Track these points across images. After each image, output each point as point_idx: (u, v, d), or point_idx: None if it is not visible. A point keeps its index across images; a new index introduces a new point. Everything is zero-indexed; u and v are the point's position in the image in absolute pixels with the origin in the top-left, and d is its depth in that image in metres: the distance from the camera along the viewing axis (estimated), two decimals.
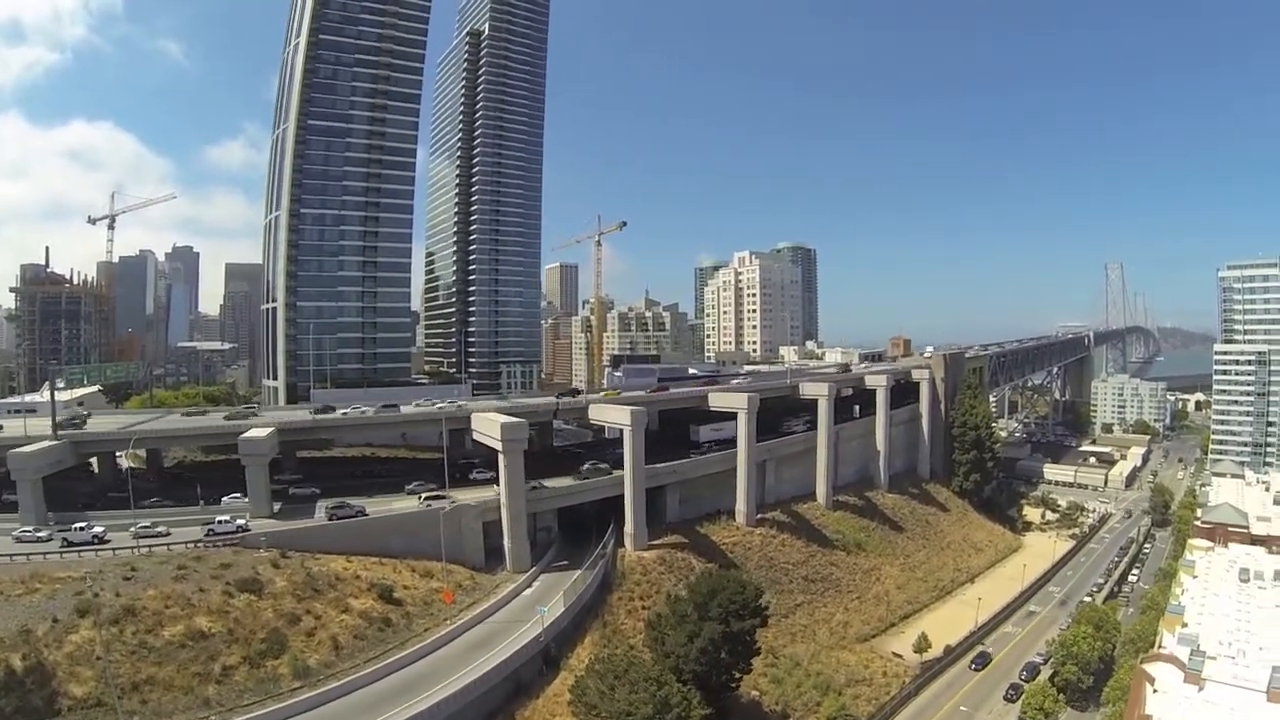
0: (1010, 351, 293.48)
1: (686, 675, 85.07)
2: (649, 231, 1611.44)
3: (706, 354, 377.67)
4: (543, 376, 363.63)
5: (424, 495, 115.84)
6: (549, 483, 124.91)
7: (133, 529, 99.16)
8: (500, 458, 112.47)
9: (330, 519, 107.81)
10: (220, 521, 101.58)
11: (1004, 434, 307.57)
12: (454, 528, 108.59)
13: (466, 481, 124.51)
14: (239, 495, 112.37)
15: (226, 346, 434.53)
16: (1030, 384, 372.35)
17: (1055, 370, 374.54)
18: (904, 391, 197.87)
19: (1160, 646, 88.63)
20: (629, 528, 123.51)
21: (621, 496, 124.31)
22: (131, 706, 70.78)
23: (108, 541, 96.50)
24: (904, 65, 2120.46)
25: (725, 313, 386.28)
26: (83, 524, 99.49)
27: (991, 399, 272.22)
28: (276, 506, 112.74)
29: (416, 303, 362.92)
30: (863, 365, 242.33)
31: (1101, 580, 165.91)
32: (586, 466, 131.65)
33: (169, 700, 72.14)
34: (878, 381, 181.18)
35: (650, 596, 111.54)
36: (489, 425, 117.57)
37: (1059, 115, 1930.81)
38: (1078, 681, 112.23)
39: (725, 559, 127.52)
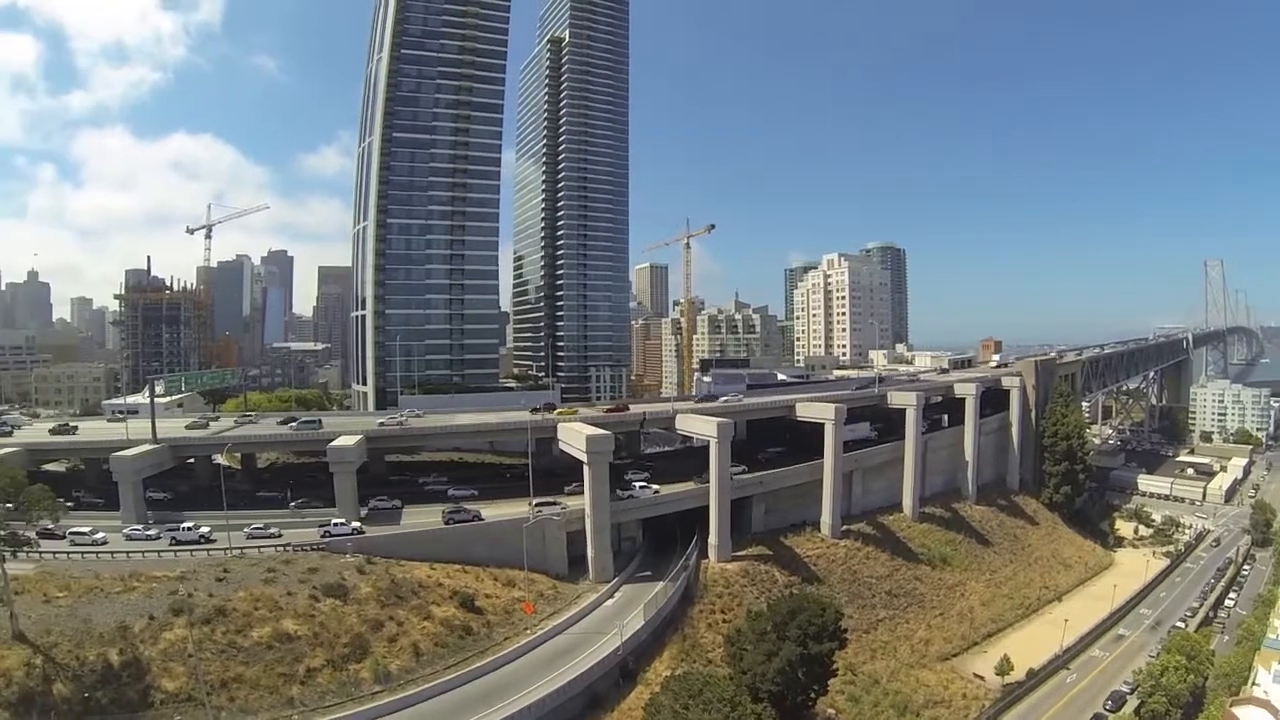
0: (1104, 356, 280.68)
1: (762, 694, 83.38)
2: (740, 230, 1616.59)
3: (796, 357, 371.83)
4: (633, 378, 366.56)
5: (535, 502, 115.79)
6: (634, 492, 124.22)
7: (247, 530, 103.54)
8: (585, 469, 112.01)
9: (447, 522, 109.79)
10: (337, 524, 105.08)
11: (1097, 440, 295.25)
12: (538, 537, 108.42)
13: (552, 490, 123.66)
14: (384, 498, 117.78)
15: (319, 347, 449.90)
16: (1125, 388, 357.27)
17: (1151, 375, 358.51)
18: (993, 399, 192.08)
19: (1254, 684, 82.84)
20: (713, 539, 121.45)
21: (707, 506, 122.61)
22: (219, 703, 73.20)
23: (213, 541, 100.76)
24: (993, 55, 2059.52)
25: (814, 315, 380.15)
26: (190, 524, 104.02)
27: (1085, 405, 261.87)
28: (363, 511, 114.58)
29: (506, 302, 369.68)
30: (953, 372, 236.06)
31: (1196, 604, 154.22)
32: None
33: (255, 698, 74.40)
34: (967, 390, 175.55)
35: (731, 610, 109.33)
36: (575, 437, 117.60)
37: (1154, 106, 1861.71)
38: (1165, 715, 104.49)
39: (808, 572, 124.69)
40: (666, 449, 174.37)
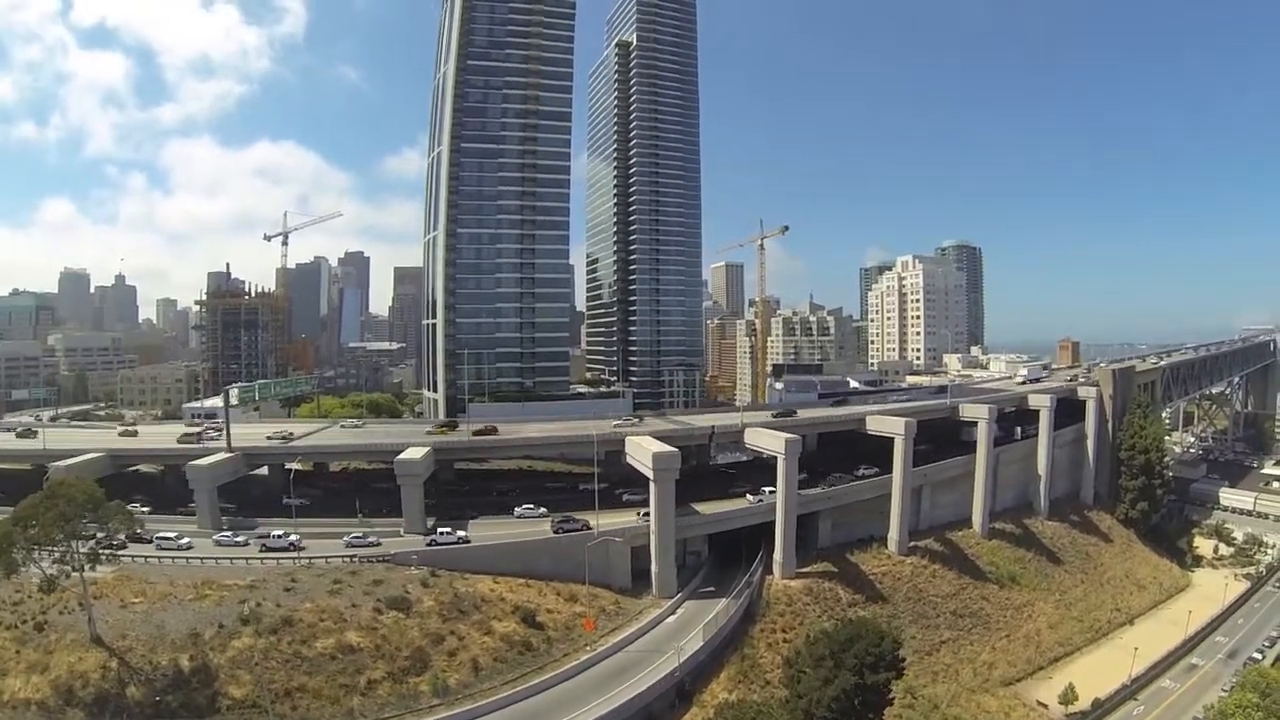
0: (1185, 363, 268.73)
1: None
2: (818, 226, 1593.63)
3: (870, 361, 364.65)
4: (707, 379, 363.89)
5: (642, 512, 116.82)
6: (700, 507, 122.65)
7: (346, 539, 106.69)
8: (651, 486, 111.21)
9: (556, 531, 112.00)
10: (443, 533, 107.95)
11: (1177, 449, 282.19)
12: (602, 552, 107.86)
13: (617, 503, 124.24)
14: (531, 506, 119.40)
15: (394, 347, 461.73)
16: (1207, 393, 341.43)
17: (1236, 380, 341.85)
18: (1069, 408, 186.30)
19: None
20: (777, 555, 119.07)
21: (773, 521, 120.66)
22: (282, 711, 75.35)
23: (303, 549, 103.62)
24: (1069, 45, 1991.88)
25: (889, 318, 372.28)
26: (280, 531, 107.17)
27: (1165, 412, 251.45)
28: (430, 522, 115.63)
29: (580, 301, 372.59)
30: (1025, 380, 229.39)
31: (1275, 634, 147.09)
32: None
33: (317, 708, 76.24)
34: (1041, 402, 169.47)
35: (793, 629, 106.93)
36: (642, 452, 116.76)
37: (1234, 86, 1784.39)
38: None
39: (873, 590, 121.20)
40: (740, 459, 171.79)
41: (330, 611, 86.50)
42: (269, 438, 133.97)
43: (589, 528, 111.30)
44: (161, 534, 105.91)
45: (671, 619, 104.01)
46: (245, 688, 76.18)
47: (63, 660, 76.67)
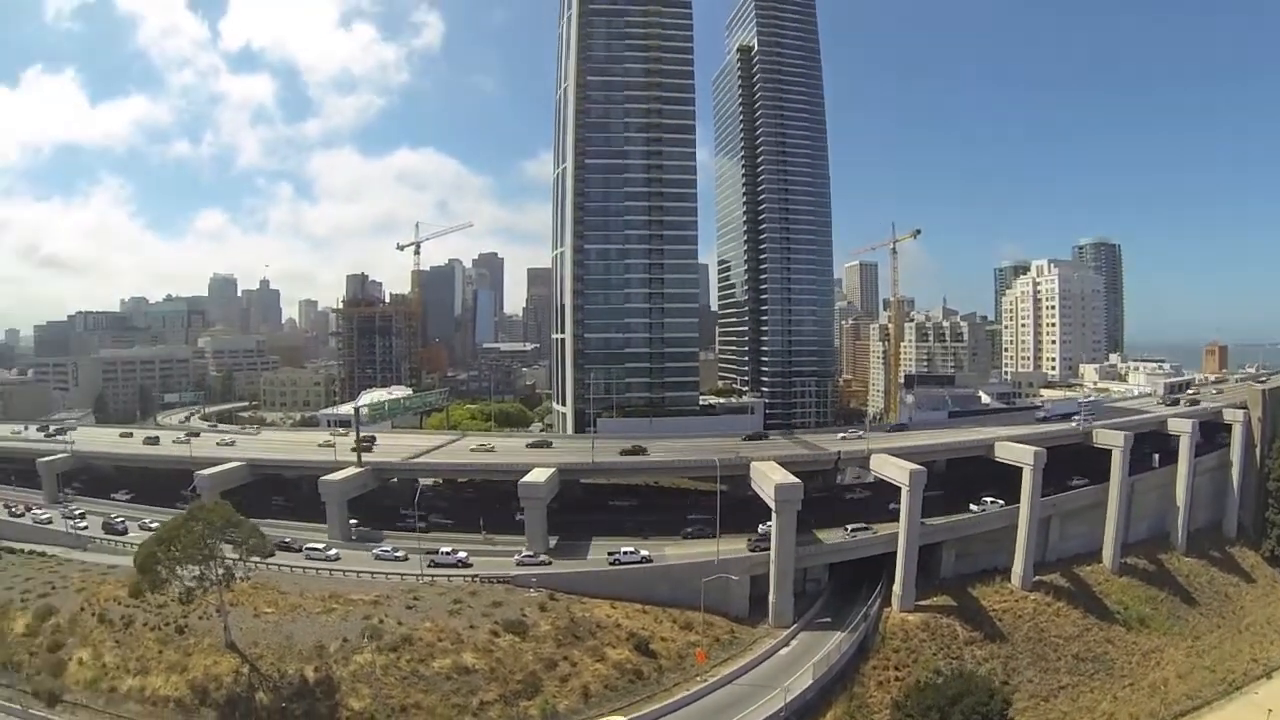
0: None
1: None
2: (947, 224, 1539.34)
3: (1003, 371, 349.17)
4: (840, 382, 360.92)
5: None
6: (822, 534, 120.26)
7: (517, 558, 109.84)
8: (773, 515, 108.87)
9: (752, 550, 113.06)
10: (626, 553, 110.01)
11: None
12: (719, 580, 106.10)
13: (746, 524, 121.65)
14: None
15: (528, 348, 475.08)
16: None
17: None
18: (1211, 429, 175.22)
19: None
20: (897, 588, 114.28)
21: (894, 552, 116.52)
22: None
23: (470, 565, 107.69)
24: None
25: (1023, 325, 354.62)
26: (449, 548, 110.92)
27: None
28: (553, 542, 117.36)
29: (713, 300, 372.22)
30: (1165, 400, 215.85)
31: None
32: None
33: None
34: (1181, 427, 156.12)
35: (906, 666, 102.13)
36: (765, 481, 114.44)
37: None
38: None
39: (992, 628, 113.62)
40: (867, 479, 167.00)
41: (449, 632, 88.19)
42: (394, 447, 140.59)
43: (650, 560, 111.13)
44: (311, 544, 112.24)
45: (785, 651, 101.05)
46: (364, 701, 78.75)
47: (199, 663, 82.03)
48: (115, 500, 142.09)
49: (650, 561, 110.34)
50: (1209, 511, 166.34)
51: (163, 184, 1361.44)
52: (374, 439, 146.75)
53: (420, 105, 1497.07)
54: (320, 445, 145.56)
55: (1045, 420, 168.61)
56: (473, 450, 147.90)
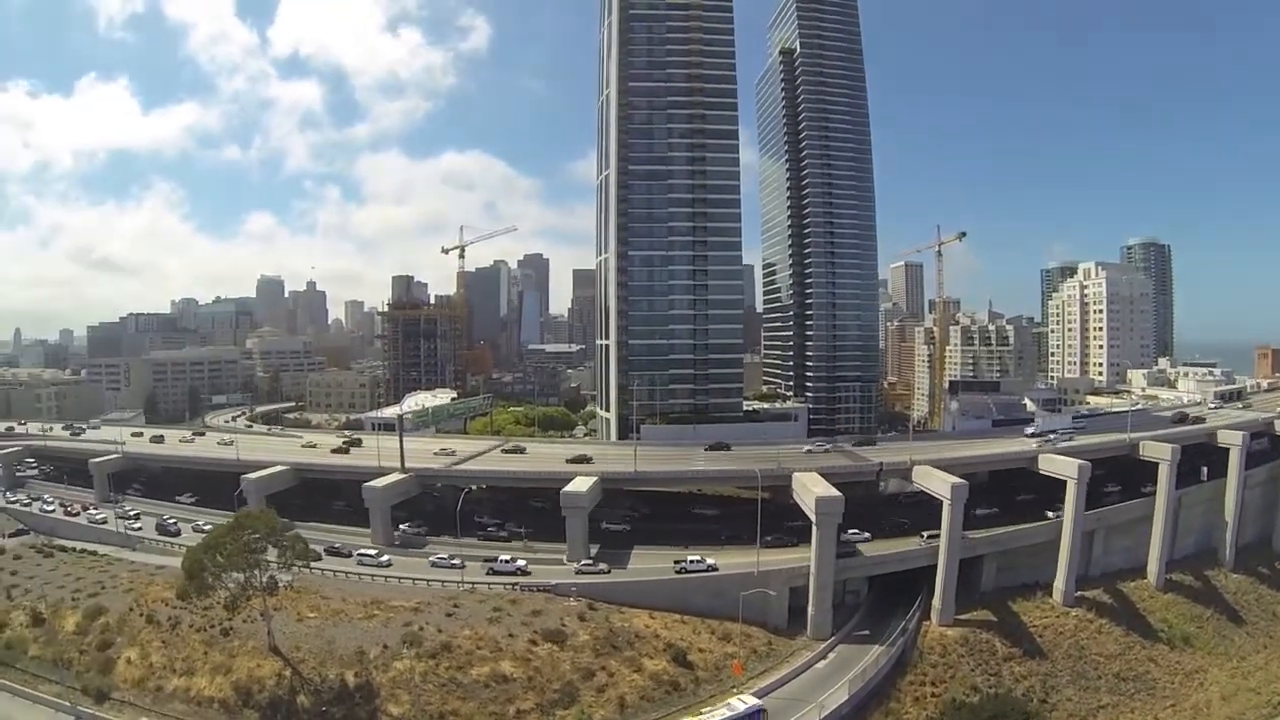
0: None
1: None
2: (994, 223, 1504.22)
3: (1050, 376, 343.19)
4: (886, 385, 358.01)
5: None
6: (863, 546, 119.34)
7: (576, 568, 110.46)
8: (814, 528, 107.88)
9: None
10: (693, 561, 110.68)
11: None
12: (759, 592, 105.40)
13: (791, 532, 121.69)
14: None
15: (573, 349, 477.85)
16: None
17: None
18: (1266, 439, 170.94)
19: None
20: (936, 601, 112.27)
21: (935, 565, 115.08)
22: None
23: (529, 574, 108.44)
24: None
25: (1070, 329, 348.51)
26: (507, 557, 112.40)
27: None
28: (594, 549, 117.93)
29: (757, 301, 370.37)
30: (1214, 403, 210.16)
31: None
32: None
33: None
34: (1231, 439, 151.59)
35: (943, 682, 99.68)
36: (806, 493, 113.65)
37: None
38: None
39: (1032, 644, 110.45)
40: (909, 489, 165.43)
41: (488, 640, 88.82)
42: (435, 454, 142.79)
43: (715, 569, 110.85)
44: (363, 550, 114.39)
45: (822, 664, 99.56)
46: (403, 707, 79.70)
47: (243, 665, 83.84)
48: (180, 503, 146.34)
49: (716, 570, 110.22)
50: (1258, 526, 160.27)
51: (213, 187, 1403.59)
52: (359, 441, 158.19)
53: (467, 108, 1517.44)
54: (303, 446, 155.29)
55: (1035, 436, 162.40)
56: (505, 453, 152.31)
